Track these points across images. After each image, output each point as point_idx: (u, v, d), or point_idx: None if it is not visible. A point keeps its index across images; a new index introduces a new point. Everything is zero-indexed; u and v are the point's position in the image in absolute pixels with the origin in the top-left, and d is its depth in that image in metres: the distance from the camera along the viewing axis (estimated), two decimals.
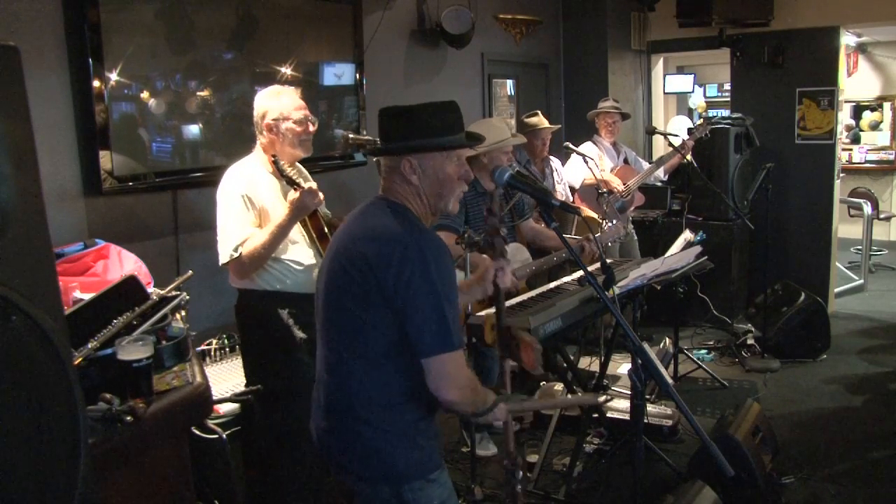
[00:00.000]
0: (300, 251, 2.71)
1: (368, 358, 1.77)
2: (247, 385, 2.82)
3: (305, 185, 2.59)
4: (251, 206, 2.64)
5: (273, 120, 2.69)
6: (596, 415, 3.62)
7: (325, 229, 2.73)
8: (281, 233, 2.58)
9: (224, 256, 2.63)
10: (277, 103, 2.70)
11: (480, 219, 3.55)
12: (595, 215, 4.65)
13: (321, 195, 2.66)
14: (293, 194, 2.58)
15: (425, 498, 1.81)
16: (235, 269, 2.67)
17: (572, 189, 5.09)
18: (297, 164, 2.86)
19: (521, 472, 2.01)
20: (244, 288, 2.74)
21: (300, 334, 2.65)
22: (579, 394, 3.55)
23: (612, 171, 5.10)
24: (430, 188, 1.85)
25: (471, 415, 1.85)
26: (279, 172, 2.64)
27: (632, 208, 5.14)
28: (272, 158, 2.67)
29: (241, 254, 2.59)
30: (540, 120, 4.67)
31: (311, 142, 2.78)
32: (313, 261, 2.71)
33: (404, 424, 1.80)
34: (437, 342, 1.71)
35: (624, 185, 4.98)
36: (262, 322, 2.70)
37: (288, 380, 2.68)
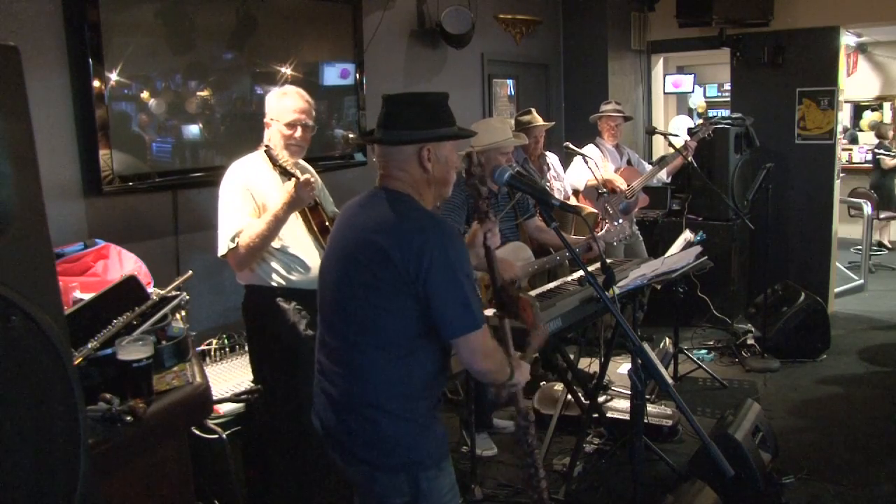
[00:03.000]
0: (304, 246, 2.72)
1: (391, 348, 1.78)
2: (254, 382, 2.82)
3: (302, 177, 2.58)
4: (251, 198, 2.65)
5: (269, 119, 2.75)
6: (596, 415, 3.62)
7: (327, 223, 2.73)
8: (276, 223, 2.57)
9: (222, 248, 2.64)
10: (277, 104, 2.74)
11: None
12: (596, 210, 4.65)
13: (314, 184, 2.66)
14: (288, 185, 2.58)
15: (438, 486, 1.84)
16: (233, 260, 2.68)
17: (577, 191, 5.08)
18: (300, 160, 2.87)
19: (534, 433, 2.01)
20: (251, 284, 2.75)
21: (307, 331, 2.65)
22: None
23: (615, 173, 5.09)
24: (441, 175, 1.89)
25: (500, 384, 1.90)
26: (272, 161, 2.65)
27: (636, 210, 5.13)
28: (266, 148, 2.68)
29: (237, 244, 2.59)
30: (533, 118, 4.68)
31: (303, 148, 2.79)
32: (316, 255, 2.71)
33: (423, 413, 1.83)
34: (463, 323, 1.76)
35: (628, 186, 4.98)
36: (269, 319, 2.70)
37: (293, 377, 2.68)
